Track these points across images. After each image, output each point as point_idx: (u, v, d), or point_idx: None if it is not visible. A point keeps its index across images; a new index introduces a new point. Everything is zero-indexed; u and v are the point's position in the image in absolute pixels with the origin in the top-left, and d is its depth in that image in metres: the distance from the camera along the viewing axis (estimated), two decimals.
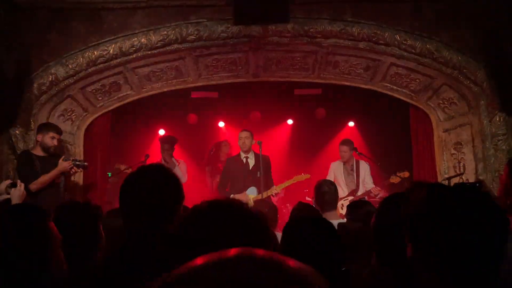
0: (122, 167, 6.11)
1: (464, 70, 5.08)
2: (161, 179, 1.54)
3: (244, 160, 5.76)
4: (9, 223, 1.31)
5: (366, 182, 6.06)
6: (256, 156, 5.81)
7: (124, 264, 1.29)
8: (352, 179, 6.10)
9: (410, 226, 1.12)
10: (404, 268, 1.46)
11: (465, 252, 1.01)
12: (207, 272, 0.41)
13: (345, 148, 6.07)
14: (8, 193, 3.37)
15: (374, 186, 5.88)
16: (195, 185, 6.85)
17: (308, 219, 1.81)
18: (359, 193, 5.89)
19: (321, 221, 1.79)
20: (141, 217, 1.47)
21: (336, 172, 6.10)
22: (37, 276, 1.25)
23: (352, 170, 6.14)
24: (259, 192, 5.48)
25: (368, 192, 5.77)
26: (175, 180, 1.57)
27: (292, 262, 0.42)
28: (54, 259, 1.32)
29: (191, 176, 6.89)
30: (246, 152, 5.77)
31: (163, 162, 6.20)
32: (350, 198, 5.96)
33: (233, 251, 0.44)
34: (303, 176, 5.67)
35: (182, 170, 6.44)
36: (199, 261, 0.43)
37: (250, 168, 5.70)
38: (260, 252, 0.43)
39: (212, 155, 7.56)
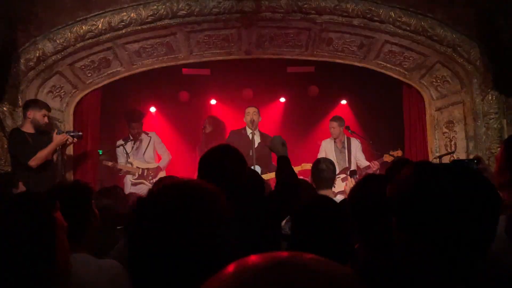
0: (109, 163, 6.00)
1: (458, 48, 5.06)
2: None
3: (250, 136, 5.57)
4: (13, 214, 1.25)
5: (358, 159, 6.09)
6: (263, 135, 5.71)
7: None
8: (343, 156, 6.11)
9: (396, 208, 1.03)
10: (386, 252, 1.45)
11: (455, 233, 0.93)
12: (257, 276, 0.42)
13: (334, 124, 6.07)
14: None
15: (369, 162, 5.90)
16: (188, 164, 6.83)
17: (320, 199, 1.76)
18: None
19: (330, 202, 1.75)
20: None
21: (327, 150, 6.10)
22: (41, 267, 1.21)
23: (343, 147, 6.15)
24: (262, 172, 5.29)
25: (367, 167, 5.78)
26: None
27: (340, 270, 0.42)
28: (59, 249, 1.28)
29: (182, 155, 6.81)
30: (252, 128, 5.61)
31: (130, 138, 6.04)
32: (343, 176, 5.98)
33: (284, 254, 0.44)
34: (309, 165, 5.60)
35: (160, 146, 6.24)
36: (249, 262, 0.43)
37: (256, 145, 5.50)
38: (309, 256, 0.44)
39: (206, 134, 6.98)
